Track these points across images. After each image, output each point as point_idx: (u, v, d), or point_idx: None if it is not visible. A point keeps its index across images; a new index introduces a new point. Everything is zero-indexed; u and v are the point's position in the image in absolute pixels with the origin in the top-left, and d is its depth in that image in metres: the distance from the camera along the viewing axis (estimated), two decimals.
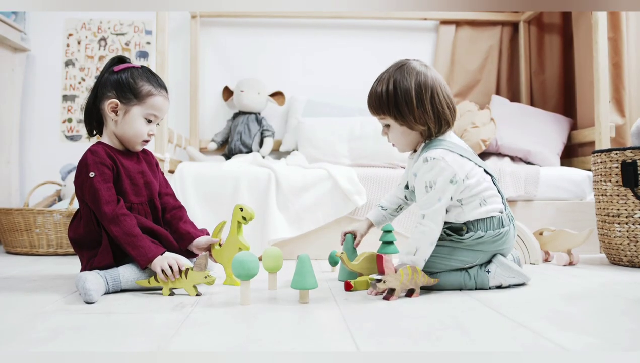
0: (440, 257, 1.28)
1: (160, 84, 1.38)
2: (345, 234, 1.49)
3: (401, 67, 1.28)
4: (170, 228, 1.44)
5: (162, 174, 1.53)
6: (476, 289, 1.29)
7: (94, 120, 1.41)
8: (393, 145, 1.37)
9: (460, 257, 1.28)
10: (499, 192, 1.32)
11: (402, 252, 1.25)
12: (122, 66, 1.36)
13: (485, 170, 1.32)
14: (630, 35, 2.32)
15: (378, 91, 1.28)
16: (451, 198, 1.25)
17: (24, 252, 2.12)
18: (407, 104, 1.24)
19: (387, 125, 1.33)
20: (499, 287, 1.31)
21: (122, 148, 1.41)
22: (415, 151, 1.37)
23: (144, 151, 1.48)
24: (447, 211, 1.29)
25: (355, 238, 1.48)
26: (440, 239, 1.28)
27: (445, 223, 1.30)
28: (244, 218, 1.34)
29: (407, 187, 1.45)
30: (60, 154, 2.76)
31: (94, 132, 1.43)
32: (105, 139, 1.40)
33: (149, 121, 1.37)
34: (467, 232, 1.28)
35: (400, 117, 1.26)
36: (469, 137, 2.42)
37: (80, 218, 1.36)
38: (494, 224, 1.27)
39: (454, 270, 1.29)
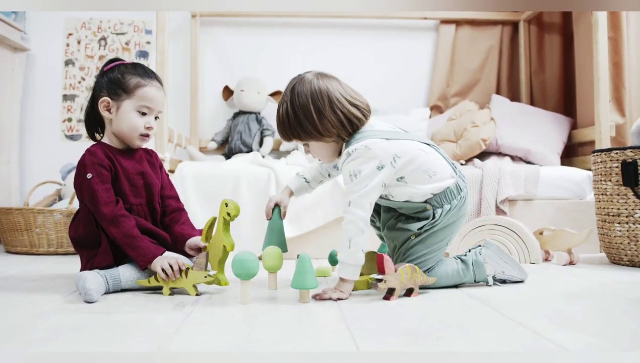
0: (427, 252, 1.28)
1: (149, 75, 1.36)
2: (273, 209, 1.42)
3: (295, 85, 1.25)
4: (168, 231, 1.42)
5: (167, 175, 1.51)
6: (475, 282, 1.32)
7: (95, 124, 1.41)
8: (319, 159, 1.35)
9: (441, 238, 1.28)
10: (444, 157, 1.31)
11: (340, 251, 1.21)
12: (111, 65, 1.36)
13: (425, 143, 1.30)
14: (631, 34, 2.32)
15: (280, 116, 1.26)
16: (384, 185, 1.23)
17: (24, 251, 2.12)
18: (309, 121, 1.22)
19: (305, 144, 1.31)
20: (497, 281, 1.34)
21: (123, 147, 1.40)
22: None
23: (148, 152, 1.47)
24: (392, 196, 1.28)
25: (281, 210, 1.43)
26: (417, 235, 1.28)
27: (407, 209, 1.29)
28: (229, 214, 1.26)
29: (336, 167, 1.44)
30: (60, 154, 2.76)
31: (98, 137, 1.42)
32: (106, 139, 1.40)
33: (144, 113, 1.35)
34: (434, 211, 1.26)
35: (307, 136, 1.24)
36: (469, 136, 2.42)
37: (80, 218, 1.36)
38: (453, 193, 1.27)
39: (448, 263, 1.31)
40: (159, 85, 1.38)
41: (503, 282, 1.36)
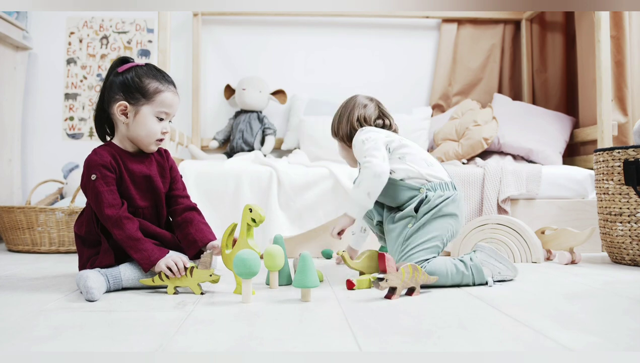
0: (424, 241, 1.33)
1: (167, 80, 1.35)
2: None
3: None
4: (181, 233, 1.39)
5: (180, 176, 1.48)
6: (474, 284, 1.33)
7: (105, 125, 1.39)
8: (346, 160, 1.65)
9: (436, 228, 1.35)
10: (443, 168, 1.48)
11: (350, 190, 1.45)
12: (126, 66, 1.33)
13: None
14: (633, 33, 2.31)
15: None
16: (389, 149, 1.44)
17: (25, 250, 2.12)
18: (334, 121, 1.61)
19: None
20: (496, 281, 1.35)
21: (133, 150, 1.37)
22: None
23: (160, 152, 1.44)
24: (394, 170, 1.41)
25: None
26: (414, 222, 1.35)
27: (403, 196, 1.40)
28: (253, 220, 1.26)
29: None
30: (62, 152, 2.77)
31: (108, 138, 1.40)
32: (116, 141, 1.37)
33: (161, 119, 1.34)
34: (427, 193, 1.37)
35: (332, 133, 1.62)
36: (471, 135, 2.42)
37: (85, 216, 1.36)
38: (449, 186, 1.40)
39: (448, 262, 1.33)
40: (174, 90, 1.37)
41: (501, 281, 1.38)
